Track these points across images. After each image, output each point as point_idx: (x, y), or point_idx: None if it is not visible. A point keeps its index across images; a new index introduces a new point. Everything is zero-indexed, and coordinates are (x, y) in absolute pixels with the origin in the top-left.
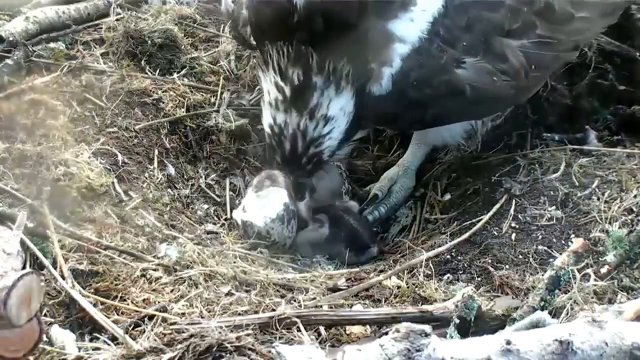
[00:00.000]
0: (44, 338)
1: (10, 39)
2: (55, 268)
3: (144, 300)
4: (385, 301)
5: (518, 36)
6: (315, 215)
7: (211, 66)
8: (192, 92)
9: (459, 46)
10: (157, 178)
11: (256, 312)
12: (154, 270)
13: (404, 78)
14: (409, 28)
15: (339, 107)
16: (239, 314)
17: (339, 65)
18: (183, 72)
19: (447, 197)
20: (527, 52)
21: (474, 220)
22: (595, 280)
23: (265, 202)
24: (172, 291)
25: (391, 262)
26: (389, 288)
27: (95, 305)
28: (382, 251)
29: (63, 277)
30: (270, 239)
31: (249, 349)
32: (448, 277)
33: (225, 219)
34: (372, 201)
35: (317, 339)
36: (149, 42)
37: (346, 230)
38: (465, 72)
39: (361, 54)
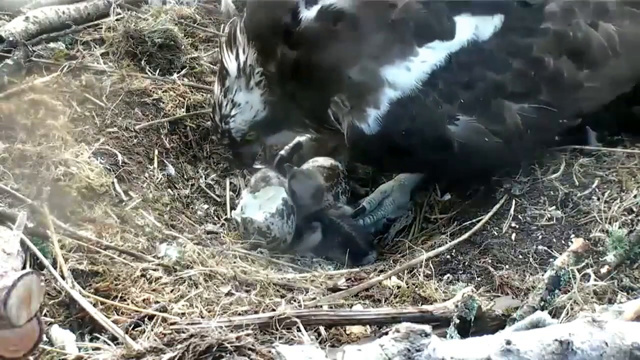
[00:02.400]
0: (44, 338)
1: (10, 39)
2: (55, 268)
3: (144, 300)
4: (385, 301)
5: (520, 99)
6: (308, 222)
7: (211, 66)
8: (192, 92)
9: (456, 102)
10: (157, 178)
11: (256, 312)
12: (154, 270)
13: (391, 123)
14: (404, 76)
15: (245, 99)
16: (239, 314)
17: (253, 69)
18: (183, 72)
19: (447, 197)
20: (525, 116)
21: (474, 220)
22: (595, 280)
23: (263, 200)
24: (172, 291)
25: (391, 262)
26: (389, 288)
27: (95, 305)
28: (381, 253)
29: (63, 277)
30: (271, 234)
31: (249, 349)
32: (448, 277)
33: (226, 219)
34: (359, 213)
35: (317, 339)
36: (149, 42)
37: (341, 238)
38: (457, 129)
39: (325, 87)
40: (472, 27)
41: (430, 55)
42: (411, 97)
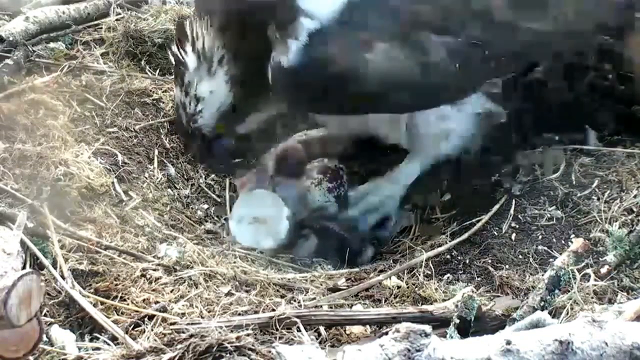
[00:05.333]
0: (44, 338)
1: (10, 39)
2: (55, 268)
3: (144, 300)
4: (385, 301)
5: (444, 33)
6: (300, 231)
7: None
8: None
9: (374, 32)
10: (157, 178)
11: (256, 312)
12: (154, 270)
13: (309, 54)
14: (318, 4)
15: (209, 89)
16: (239, 314)
17: (212, 49)
18: None
19: (447, 197)
20: (450, 49)
21: (474, 220)
22: (595, 280)
23: (258, 211)
24: (172, 291)
25: (391, 262)
26: (389, 288)
27: (95, 305)
28: (381, 252)
29: (63, 277)
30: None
31: (249, 349)
32: (448, 277)
33: (225, 219)
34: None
35: (317, 339)
36: (149, 42)
37: (334, 240)
38: (374, 57)
39: (261, 31)
40: None
41: None
42: (329, 26)
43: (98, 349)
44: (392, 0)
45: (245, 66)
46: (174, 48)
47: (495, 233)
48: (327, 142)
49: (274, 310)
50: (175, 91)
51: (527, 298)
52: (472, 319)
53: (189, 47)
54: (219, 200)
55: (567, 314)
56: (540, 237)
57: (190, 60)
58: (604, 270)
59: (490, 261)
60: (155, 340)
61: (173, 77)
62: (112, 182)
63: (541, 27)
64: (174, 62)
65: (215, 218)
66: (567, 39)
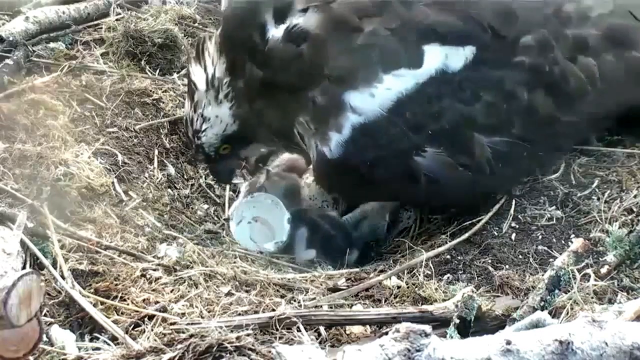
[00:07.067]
0: (44, 338)
1: (10, 39)
2: (55, 268)
3: (144, 300)
4: (385, 301)
5: (490, 133)
6: (295, 226)
7: None
8: None
9: (423, 133)
10: (157, 178)
11: (256, 312)
12: (154, 270)
13: (353, 148)
14: (367, 101)
15: (214, 113)
16: (239, 314)
17: (221, 82)
18: (183, 72)
19: None
20: (496, 150)
21: (474, 220)
22: (595, 280)
23: (262, 211)
24: (172, 291)
25: (391, 262)
26: (389, 288)
27: (95, 305)
28: (380, 253)
29: (63, 277)
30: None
31: (249, 349)
32: (448, 277)
33: (225, 219)
34: None
35: (317, 339)
36: (149, 42)
37: (320, 236)
38: (424, 161)
39: (294, 111)
40: (441, 57)
41: (396, 83)
42: (375, 123)
43: (98, 349)
44: (441, 100)
45: (250, 117)
46: (192, 61)
47: (495, 233)
48: None
49: (274, 310)
50: (186, 103)
51: (527, 298)
52: (472, 319)
53: (201, 68)
54: (219, 200)
55: (567, 314)
56: (540, 237)
57: (200, 82)
58: (604, 270)
59: (490, 261)
60: (155, 340)
61: (187, 88)
62: (112, 182)
63: (576, 119)
64: (188, 73)
65: (215, 218)
66: (597, 124)
